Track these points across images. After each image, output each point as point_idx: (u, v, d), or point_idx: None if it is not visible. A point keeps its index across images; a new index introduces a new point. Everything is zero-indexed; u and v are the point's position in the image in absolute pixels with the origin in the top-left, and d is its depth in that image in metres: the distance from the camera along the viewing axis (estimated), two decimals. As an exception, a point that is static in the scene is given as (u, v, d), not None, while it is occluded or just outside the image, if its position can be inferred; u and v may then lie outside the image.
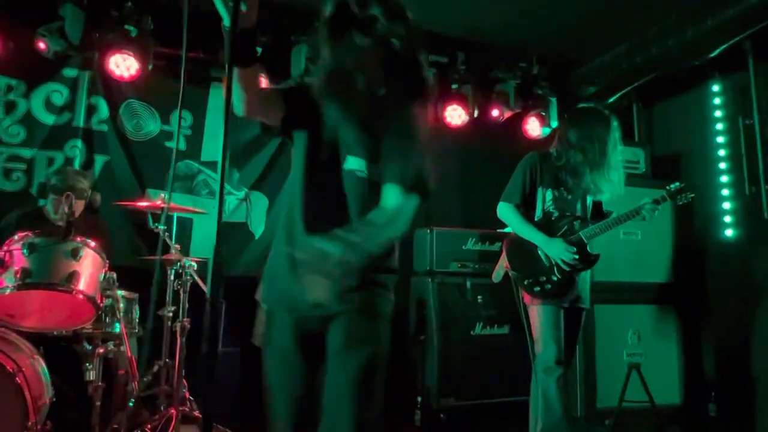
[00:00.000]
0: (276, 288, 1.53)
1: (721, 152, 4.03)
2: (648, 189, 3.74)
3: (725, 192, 3.98)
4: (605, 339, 3.71)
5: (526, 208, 2.69)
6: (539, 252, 2.66)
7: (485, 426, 3.60)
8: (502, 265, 2.80)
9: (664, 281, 3.94)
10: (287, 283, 1.45)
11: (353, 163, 1.48)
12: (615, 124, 2.64)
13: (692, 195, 2.73)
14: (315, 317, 1.44)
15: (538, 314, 2.61)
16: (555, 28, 3.93)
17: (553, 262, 2.62)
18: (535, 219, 2.71)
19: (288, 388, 1.48)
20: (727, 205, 3.97)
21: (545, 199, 2.69)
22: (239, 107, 1.41)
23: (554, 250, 2.61)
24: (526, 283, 2.65)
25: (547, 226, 2.67)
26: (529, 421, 2.71)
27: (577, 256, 2.59)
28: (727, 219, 3.95)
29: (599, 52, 4.16)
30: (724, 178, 4.00)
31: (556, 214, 2.68)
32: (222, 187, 1.10)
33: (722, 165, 4.02)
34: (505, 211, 2.70)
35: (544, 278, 2.63)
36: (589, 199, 2.74)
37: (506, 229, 2.76)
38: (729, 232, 3.94)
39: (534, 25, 3.91)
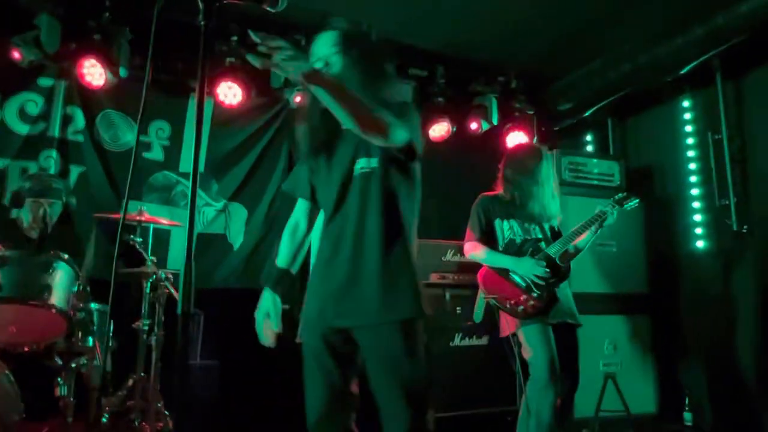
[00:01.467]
0: (310, 306, 1.69)
1: (692, 166, 4.14)
2: (622, 201, 3.83)
3: (696, 204, 4.08)
4: (582, 349, 3.72)
5: (488, 241, 2.79)
6: (512, 275, 2.72)
7: (465, 437, 3.60)
8: (481, 302, 2.87)
9: (638, 291, 4.01)
10: (320, 303, 1.64)
11: (361, 164, 1.61)
12: (545, 155, 2.82)
13: (636, 200, 2.86)
14: (342, 329, 1.60)
15: (525, 335, 2.62)
16: (533, 44, 4.01)
17: (528, 281, 2.67)
18: (500, 249, 2.79)
19: (316, 383, 1.63)
20: (698, 217, 4.07)
21: (503, 229, 2.79)
22: None
23: (524, 268, 2.67)
24: (508, 306, 2.68)
25: (513, 251, 2.75)
26: None
27: (548, 269, 2.65)
28: (699, 231, 4.05)
29: (575, 68, 4.26)
30: (695, 191, 4.10)
31: (518, 240, 2.77)
32: (193, 198, 1.10)
33: (693, 178, 4.12)
34: (469, 248, 2.80)
35: (525, 297, 2.66)
36: (546, 226, 2.83)
37: (472, 257, 2.82)
38: (700, 244, 4.03)
39: (512, 40, 3.98)
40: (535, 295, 2.65)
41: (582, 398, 3.67)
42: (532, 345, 2.60)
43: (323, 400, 1.60)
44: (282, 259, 1.77)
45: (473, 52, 4.20)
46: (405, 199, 1.65)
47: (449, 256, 3.92)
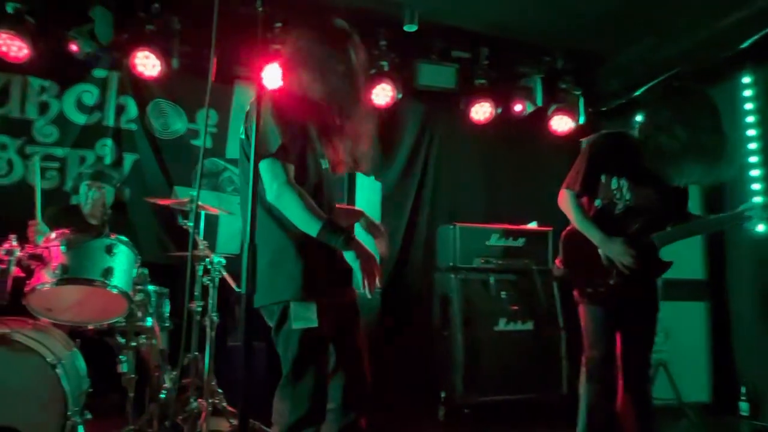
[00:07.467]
0: None
1: (752, 145, 3.93)
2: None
3: (756, 186, 3.89)
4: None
5: (589, 196, 2.38)
6: (599, 251, 2.33)
7: (509, 422, 3.60)
8: None
9: (694, 278, 3.87)
10: None
11: None
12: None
13: None
14: None
15: (584, 314, 2.39)
16: (580, 22, 3.87)
17: (615, 263, 2.29)
18: (596, 205, 2.37)
19: None
20: (758, 200, 3.87)
21: (610, 187, 2.33)
22: None
23: (613, 251, 2.27)
24: (583, 288, 2.38)
25: (610, 221, 2.32)
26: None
27: (641, 258, 2.25)
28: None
29: (626, 46, 4.09)
30: (755, 172, 3.90)
31: (620, 206, 2.33)
32: (255, 183, 1.13)
33: (753, 158, 3.92)
34: (564, 200, 2.37)
35: (600, 281, 2.33)
36: (666, 192, 2.34)
37: (564, 211, 2.40)
38: (761, 228, 3.84)
39: (559, 19, 3.85)
40: (611, 282, 2.31)
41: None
42: (586, 328, 2.38)
43: None
44: None
45: (518, 32, 4.09)
46: None
47: (494, 240, 3.88)
